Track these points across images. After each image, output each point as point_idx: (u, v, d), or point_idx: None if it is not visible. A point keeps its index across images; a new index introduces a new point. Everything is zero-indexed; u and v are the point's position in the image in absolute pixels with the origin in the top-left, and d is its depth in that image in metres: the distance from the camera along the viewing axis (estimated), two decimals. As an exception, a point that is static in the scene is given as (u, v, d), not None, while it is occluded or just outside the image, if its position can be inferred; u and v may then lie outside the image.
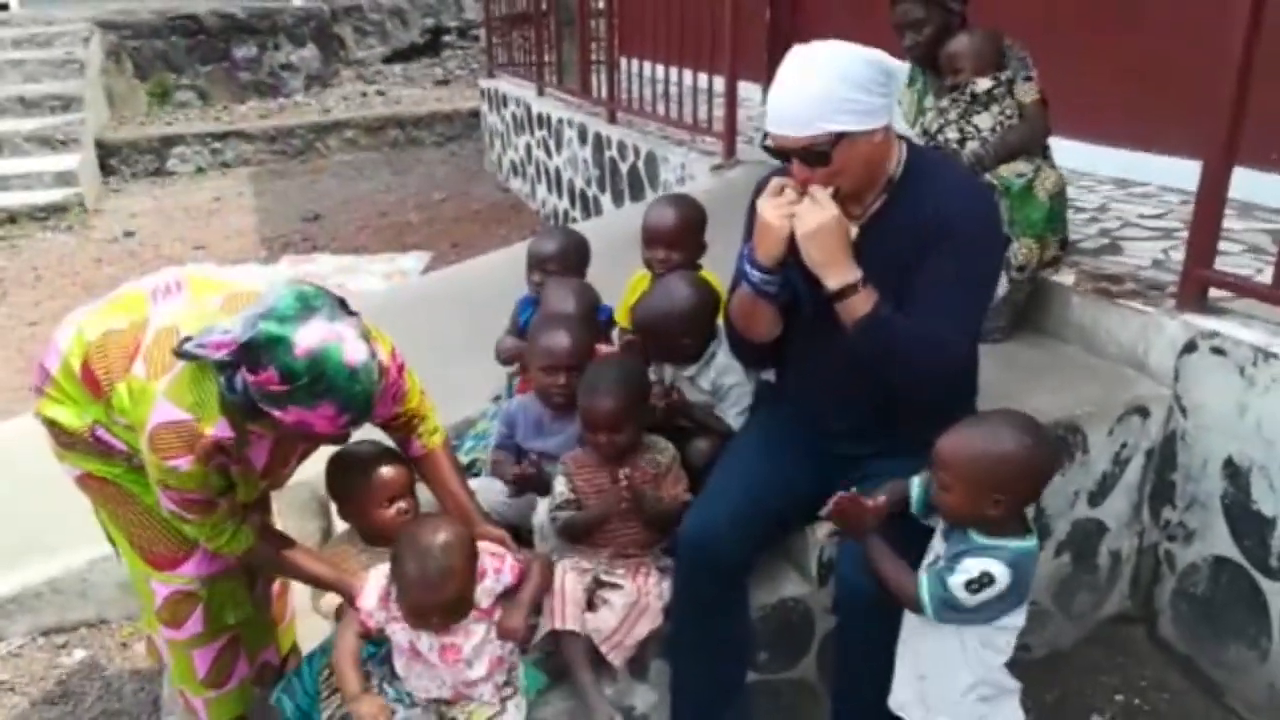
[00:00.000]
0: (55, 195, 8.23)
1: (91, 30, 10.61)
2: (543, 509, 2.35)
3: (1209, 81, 2.50)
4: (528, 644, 2.10)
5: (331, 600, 2.16)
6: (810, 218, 1.93)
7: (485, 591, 2.01)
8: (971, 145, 2.97)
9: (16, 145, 8.91)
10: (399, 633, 1.99)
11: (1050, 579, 2.68)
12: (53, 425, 2.02)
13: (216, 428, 1.81)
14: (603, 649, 2.16)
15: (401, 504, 2.15)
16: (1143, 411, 2.67)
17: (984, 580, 1.77)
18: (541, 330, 2.47)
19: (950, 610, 1.80)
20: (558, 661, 2.19)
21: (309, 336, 1.72)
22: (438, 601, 1.91)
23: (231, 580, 2.17)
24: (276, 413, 1.75)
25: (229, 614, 2.18)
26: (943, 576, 1.79)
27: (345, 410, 1.77)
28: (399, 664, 2.01)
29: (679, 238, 2.62)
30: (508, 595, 2.06)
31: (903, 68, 1.97)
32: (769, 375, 2.44)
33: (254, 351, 1.71)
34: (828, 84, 1.87)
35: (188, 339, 1.78)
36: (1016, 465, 1.79)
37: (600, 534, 2.28)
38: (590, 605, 2.19)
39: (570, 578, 2.19)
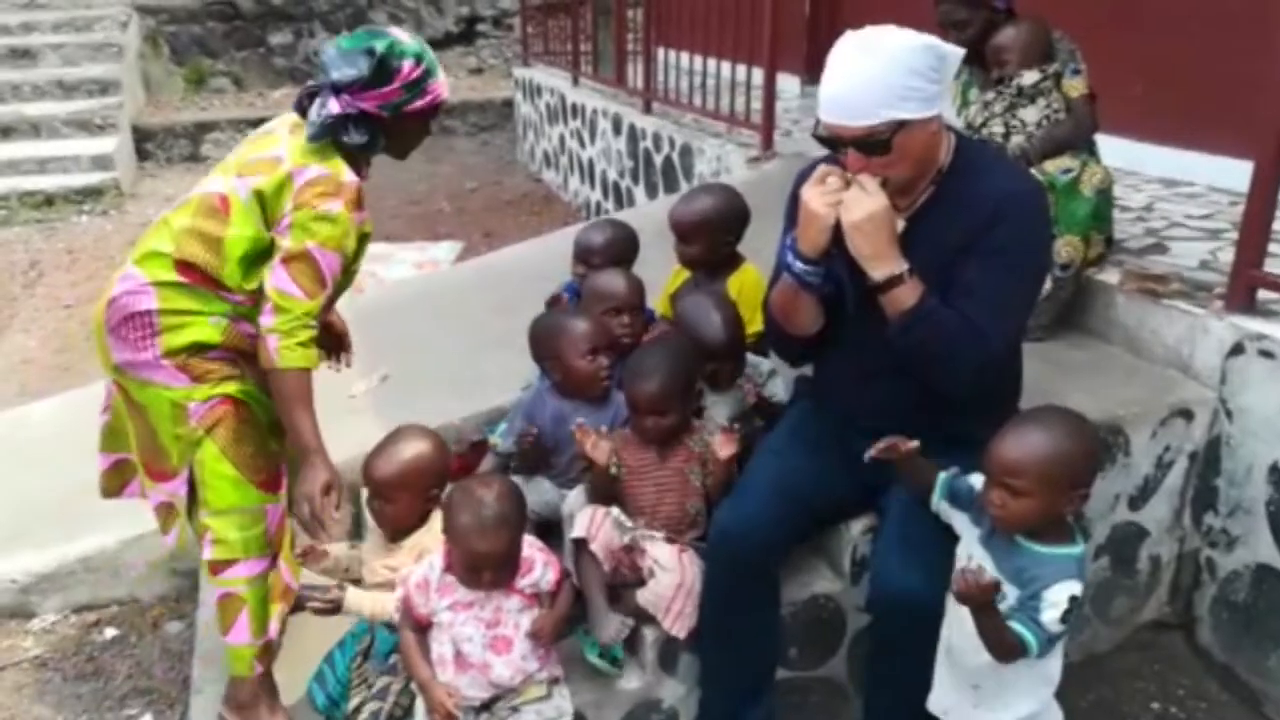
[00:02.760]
0: (92, 179, 8.31)
1: (129, 15, 10.70)
2: (572, 498, 2.33)
3: (1260, 81, 2.44)
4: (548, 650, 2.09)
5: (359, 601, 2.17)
6: (858, 207, 1.88)
7: (530, 583, 2.02)
8: (1016, 139, 2.92)
9: (54, 129, 9.00)
10: (445, 644, 2.00)
11: (1089, 583, 2.63)
12: (193, 353, 2.14)
13: (349, 175, 2.15)
14: (665, 622, 2.14)
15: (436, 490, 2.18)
16: (1187, 414, 2.62)
17: (1073, 605, 1.72)
18: (567, 320, 2.46)
19: (1050, 644, 1.76)
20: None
21: (400, 34, 2.20)
22: (492, 550, 1.92)
23: None
24: (419, 102, 2.20)
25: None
26: (1035, 619, 1.73)
27: (444, 80, 2.29)
28: (443, 679, 2.00)
29: (690, 232, 2.62)
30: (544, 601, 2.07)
31: (957, 53, 1.92)
32: (806, 369, 2.41)
33: (385, 64, 2.13)
34: (888, 71, 1.83)
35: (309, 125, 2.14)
36: (1092, 455, 1.79)
37: (636, 506, 2.26)
38: (641, 580, 2.20)
39: (608, 524, 2.18)
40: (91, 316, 2.25)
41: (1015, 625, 1.74)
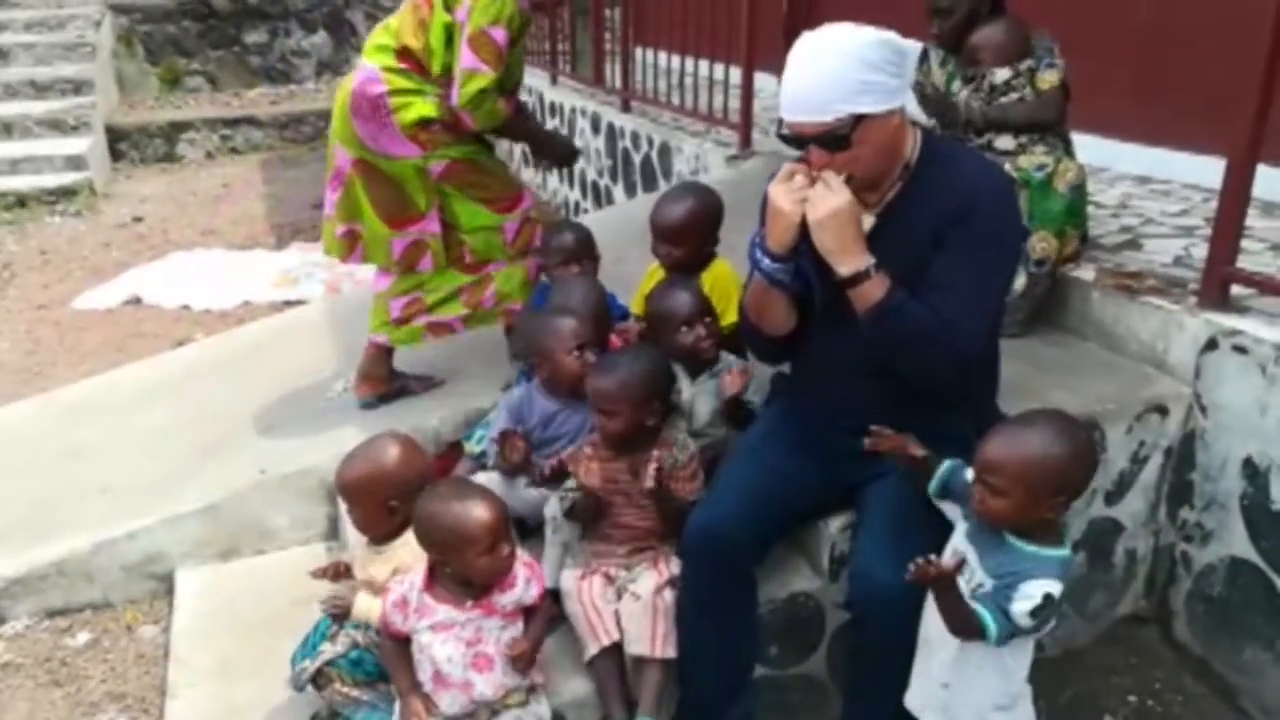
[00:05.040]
0: (65, 179, 8.21)
1: (103, 14, 10.60)
2: (555, 501, 2.32)
3: (1234, 78, 2.46)
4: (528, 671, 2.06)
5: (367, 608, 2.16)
6: (822, 203, 1.89)
7: (513, 599, 1.98)
8: (964, 98, 2.97)
9: (27, 129, 8.90)
10: (423, 662, 1.98)
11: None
12: (421, 127, 2.77)
13: None
14: (656, 649, 2.12)
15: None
16: (1162, 410, 2.63)
17: (1047, 602, 1.71)
18: (554, 317, 2.46)
19: (1012, 636, 1.76)
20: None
21: None
22: (494, 514, 1.90)
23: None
24: None
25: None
26: (1004, 607, 1.73)
27: None
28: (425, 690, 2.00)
29: (679, 235, 2.62)
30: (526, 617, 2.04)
31: (915, 47, 1.93)
32: (784, 367, 2.41)
33: None
34: (843, 66, 1.84)
35: None
36: (1079, 464, 1.76)
37: (615, 524, 2.25)
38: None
39: (596, 586, 2.19)
40: (335, 104, 2.86)
41: (978, 606, 1.74)
